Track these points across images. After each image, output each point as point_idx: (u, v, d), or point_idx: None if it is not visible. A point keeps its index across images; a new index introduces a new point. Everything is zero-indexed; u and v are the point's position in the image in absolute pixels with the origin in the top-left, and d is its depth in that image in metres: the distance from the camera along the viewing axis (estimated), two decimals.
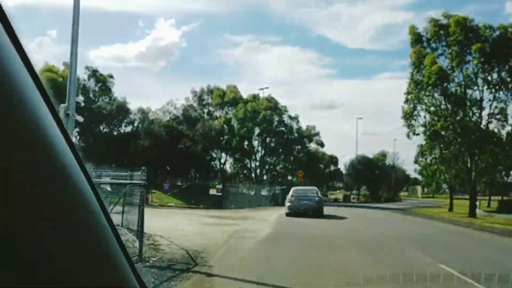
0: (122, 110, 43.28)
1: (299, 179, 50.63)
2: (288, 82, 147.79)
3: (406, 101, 31.65)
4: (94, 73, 46.88)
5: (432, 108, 30.33)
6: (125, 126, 45.39)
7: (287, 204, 22.90)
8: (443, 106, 30.05)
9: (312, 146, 60.71)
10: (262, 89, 51.04)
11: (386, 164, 73.55)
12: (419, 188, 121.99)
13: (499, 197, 65.83)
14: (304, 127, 56.24)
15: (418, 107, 31.14)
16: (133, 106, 46.23)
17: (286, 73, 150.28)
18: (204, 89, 53.39)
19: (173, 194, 32.45)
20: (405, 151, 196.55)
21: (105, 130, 45.69)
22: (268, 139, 49.65)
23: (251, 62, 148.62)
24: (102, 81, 47.63)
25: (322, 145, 67.01)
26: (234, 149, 47.56)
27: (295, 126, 51.67)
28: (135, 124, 45.17)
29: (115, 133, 45.43)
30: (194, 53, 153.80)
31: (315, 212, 22.19)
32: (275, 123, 49.54)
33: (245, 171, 51.77)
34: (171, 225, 15.56)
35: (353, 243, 11.81)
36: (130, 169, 12.33)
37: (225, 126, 48.99)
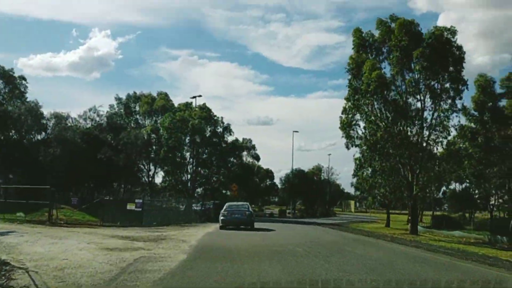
0: (32, 114, 37.98)
1: (233, 193, 47.51)
2: (225, 97, 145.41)
3: (344, 110, 29.77)
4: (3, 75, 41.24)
5: (372, 118, 28.61)
6: (37, 132, 40.02)
7: (221, 218, 24.73)
8: (383, 116, 28.46)
9: (248, 160, 58.28)
10: (194, 97, 47.77)
11: (322, 179, 72.53)
12: (352, 202, 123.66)
13: (429, 212, 66.55)
14: (240, 140, 53.76)
15: (357, 116, 29.42)
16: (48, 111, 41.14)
17: (223, 88, 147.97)
18: (131, 95, 49.15)
19: (83, 209, 27.96)
20: (339, 166, 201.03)
21: (14, 136, 40.13)
22: (200, 150, 46.23)
23: (188, 76, 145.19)
24: (13, 83, 42.06)
25: (257, 158, 64.63)
26: (163, 160, 43.56)
27: (230, 137, 48.73)
28: (48, 131, 39.93)
29: (25, 140, 39.94)
30: (129, 65, 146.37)
31: (247, 224, 24.61)
32: (208, 133, 46.30)
33: (177, 185, 47.96)
34: (57, 252, 11.82)
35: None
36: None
37: (153, 135, 44.97)
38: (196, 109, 45.84)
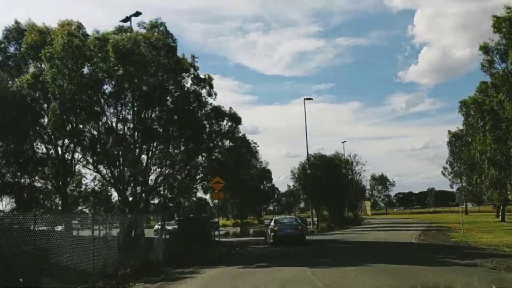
0: None
1: (216, 196, 24.47)
2: None
3: None
4: None
5: None
6: None
7: (271, 234, 23.29)
8: None
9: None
10: (130, 17, 24.22)
11: (352, 170, 49.48)
12: (368, 204, 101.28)
13: None
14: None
15: None
16: None
17: None
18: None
19: None
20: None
21: None
22: (148, 113, 23.13)
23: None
24: None
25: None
26: (61, 132, 20.33)
27: (211, 101, 25.52)
28: None
29: None
30: None
31: (301, 239, 22.93)
32: (169, 78, 23.27)
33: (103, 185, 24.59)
34: None
35: None
36: None
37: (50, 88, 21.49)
38: (140, 29, 22.71)
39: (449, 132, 78.20)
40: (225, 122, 26.75)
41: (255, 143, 30.97)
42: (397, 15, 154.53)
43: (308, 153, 41.27)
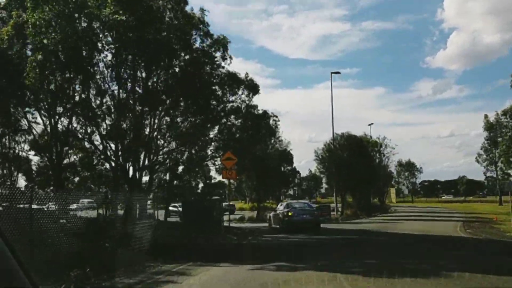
0: None
1: (226, 173, 20.90)
2: None
3: None
4: None
5: None
6: None
7: (285, 219, 21.73)
8: None
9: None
10: None
11: (381, 153, 45.33)
12: (392, 190, 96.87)
13: None
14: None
15: None
16: None
17: None
18: None
19: None
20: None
21: None
22: (153, 77, 19.72)
23: None
24: None
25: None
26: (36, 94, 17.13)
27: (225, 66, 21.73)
28: None
29: None
30: None
31: (316, 225, 21.89)
32: (177, 36, 19.73)
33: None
34: None
35: None
36: None
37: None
38: None
39: (486, 116, 73.18)
40: (240, 91, 23.20)
41: (276, 117, 26.44)
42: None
43: (333, 132, 37.44)
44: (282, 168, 63.43)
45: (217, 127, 21.80)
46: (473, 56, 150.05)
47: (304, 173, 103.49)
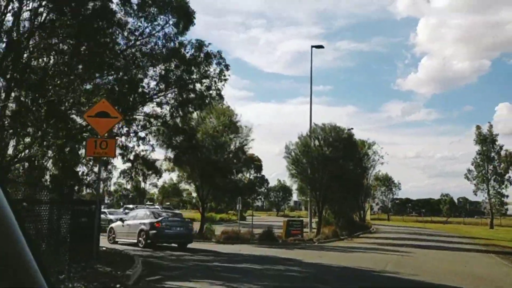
0: None
1: (95, 147, 10.58)
2: None
3: None
4: None
5: None
6: None
7: (152, 231, 17.03)
8: None
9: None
10: None
11: (367, 155, 35.58)
12: (368, 206, 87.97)
13: None
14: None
15: None
16: None
17: None
18: None
19: None
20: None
21: None
22: None
23: None
24: None
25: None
26: None
27: None
28: None
29: None
30: None
31: (189, 240, 17.94)
32: None
33: None
34: None
35: None
36: None
37: None
38: None
39: (478, 127, 65.19)
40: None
41: (222, 59, 15.36)
42: (401, 22, 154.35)
43: (311, 122, 27.46)
44: (249, 174, 53.60)
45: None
46: (443, 81, 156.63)
47: (273, 183, 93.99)
